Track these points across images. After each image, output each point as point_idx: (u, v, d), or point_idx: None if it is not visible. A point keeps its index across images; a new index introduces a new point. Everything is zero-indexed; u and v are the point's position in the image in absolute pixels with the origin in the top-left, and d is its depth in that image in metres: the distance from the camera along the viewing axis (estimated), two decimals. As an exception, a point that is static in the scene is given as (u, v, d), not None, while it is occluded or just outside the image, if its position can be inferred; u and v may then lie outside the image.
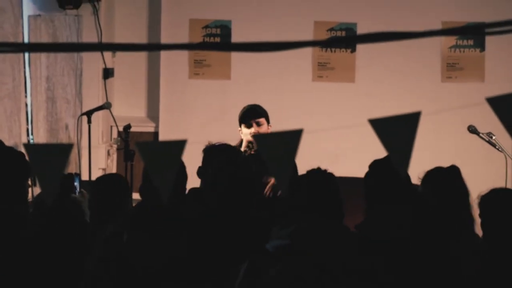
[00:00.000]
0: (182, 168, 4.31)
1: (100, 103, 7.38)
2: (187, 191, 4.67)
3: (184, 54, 7.96)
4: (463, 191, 4.31)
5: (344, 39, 7.40)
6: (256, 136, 2.49)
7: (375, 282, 3.61)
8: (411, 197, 4.15)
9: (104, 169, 7.85)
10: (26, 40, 7.55)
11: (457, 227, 4.18)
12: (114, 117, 7.27)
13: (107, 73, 7.96)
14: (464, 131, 6.67)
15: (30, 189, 5.22)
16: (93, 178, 6.32)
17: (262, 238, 4.08)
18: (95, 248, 4.08)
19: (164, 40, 7.85)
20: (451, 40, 7.90)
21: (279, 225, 3.98)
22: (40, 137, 7.66)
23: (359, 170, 4.36)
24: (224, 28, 7.96)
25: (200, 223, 4.12)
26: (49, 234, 4.10)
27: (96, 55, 7.80)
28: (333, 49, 7.96)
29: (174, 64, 7.96)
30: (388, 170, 4.12)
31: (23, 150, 4.49)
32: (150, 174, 2.28)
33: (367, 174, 4.25)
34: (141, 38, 8.09)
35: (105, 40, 7.79)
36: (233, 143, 5.52)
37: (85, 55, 7.69)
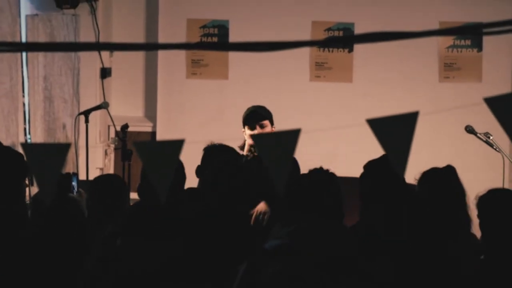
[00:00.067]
0: (180, 168, 4.31)
1: (98, 103, 7.37)
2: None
3: (181, 54, 7.96)
4: (459, 191, 4.31)
5: (342, 39, 7.40)
6: (254, 136, 2.49)
7: (375, 282, 3.61)
8: (406, 197, 4.16)
9: (101, 169, 7.84)
10: (23, 40, 7.54)
11: (453, 227, 4.19)
12: (111, 117, 7.27)
13: (105, 73, 7.95)
14: (462, 131, 6.68)
15: (27, 189, 5.22)
16: (91, 177, 6.31)
17: (261, 238, 4.08)
18: (94, 248, 4.08)
19: (161, 39, 7.84)
20: (449, 40, 7.91)
21: (278, 225, 3.98)
22: (38, 136, 7.66)
23: (357, 170, 4.36)
24: (222, 28, 7.96)
25: (199, 223, 4.12)
26: (48, 234, 4.09)
27: (94, 54, 7.80)
28: (330, 49, 7.96)
29: (171, 64, 7.96)
30: (383, 171, 4.13)
31: (20, 149, 4.50)
32: (148, 174, 2.28)
33: (362, 174, 4.25)
34: (139, 37, 8.09)
35: (102, 39, 7.78)
36: (231, 142, 5.51)
37: (83, 55, 7.69)
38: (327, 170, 3.94)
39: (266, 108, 5.80)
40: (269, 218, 5.31)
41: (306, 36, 7.82)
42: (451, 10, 7.86)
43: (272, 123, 5.73)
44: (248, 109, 5.80)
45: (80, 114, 7.15)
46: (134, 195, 4.80)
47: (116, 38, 8.06)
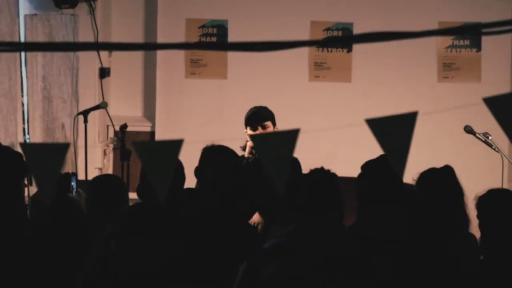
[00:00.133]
0: (180, 168, 4.31)
1: (97, 103, 7.37)
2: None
3: (180, 54, 7.96)
4: (457, 191, 4.31)
5: (341, 39, 7.40)
6: (253, 136, 2.48)
7: (375, 282, 3.61)
8: (404, 197, 4.16)
9: (100, 169, 7.84)
10: (22, 40, 7.54)
11: (452, 227, 4.19)
12: (110, 117, 7.27)
13: (104, 73, 7.95)
14: (461, 131, 6.68)
15: (26, 189, 5.22)
16: (90, 177, 6.31)
17: (260, 238, 4.08)
18: (93, 248, 4.08)
19: (160, 39, 7.84)
20: (448, 40, 7.91)
21: (278, 224, 3.97)
22: (37, 136, 7.66)
23: (356, 170, 4.36)
24: (221, 28, 7.96)
25: (199, 223, 4.12)
26: (48, 234, 4.09)
27: (93, 54, 7.80)
28: (329, 49, 7.96)
29: (170, 64, 7.96)
30: (381, 171, 4.14)
31: (19, 149, 4.49)
32: (147, 174, 2.28)
33: (359, 175, 4.25)
34: (138, 37, 8.09)
35: (101, 39, 7.78)
36: (231, 142, 5.50)
37: (82, 55, 7.69)
38: (328, 171, 3.93)
39: (268, 109, 5.77)
40: (265, 226, 5.32)
41: (305, 36, 7.82)
42: (450, 10, 7.86)
43: (274, 124, 5.71)
44: (250, 109, 5.78)
45: (79, 114, 7.15)
46: (133, 195, 4.80)
47: (115, 38, 8.06)
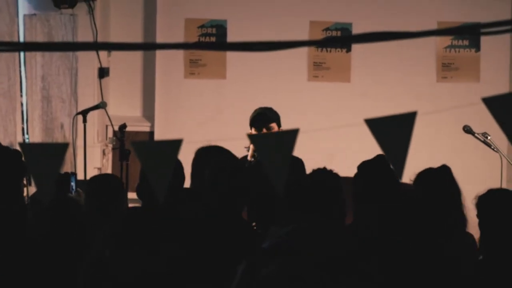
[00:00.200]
0: (179, 168, 4.30)
1: (96, 103, 7.37)
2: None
3: (179, 54, 7.96)
4: (455, 190, 4.32)
5: (340, 39, 7.40)
6: (251, 136, 2.48)
7: (375, 282, 3.60)
8: (400, 196, 4.16)
9: (99, 169, 7.84)
10: (21, 39, 7.54)
11: (449, 227, 4.19)
12: (109, 117, 7.27)
13: (103, 73, 7.95)
14: (460, 131, 6.68)
15: (25, 189, 5.21)
16: (89, 177, 6.31)
17: (260, 238, 4.07)
18: (93, 248, 4.08)
19: (159, 39, 7.84)
20: (447, 40, 7.91)
21: (277, 224, 3.97)
22: (36, 136, 7.65)
23: (355, 170, 4.36)
24: (220, 28, 7.96)
25: (198, 223, 4.12)
26: (48, 234, 4.09)
27: (92, 54, 7.79)
28: (328, 49, 7.97)
29: (169, 64, 7.96)
30: (377, 171, 4.14)
31: (18, 149, 4.49)
32: (146, 174, 2.28)
33: (356, 174, 4.26)
34: (137, 37, 8.09)
35: (100, 39, 7.78)
36: (230, 142, 5.50)
37: (81, 55, 7.69)
38: (331, 171, 3.93)
39: (273, 110, 5.75)
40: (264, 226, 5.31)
41: (304, 36, 7.83)
42: (449, 10, 7.87)
43: (279, 125, 5.69)
44: (256, 110, 5.75)
45: (78, 114, 7.15)
46: (132, 195, 4.80)
47: (114, 38, 8.06)
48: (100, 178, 4.95)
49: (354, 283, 3.47)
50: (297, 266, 3.46)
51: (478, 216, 3.97)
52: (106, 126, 8.03)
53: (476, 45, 7.93)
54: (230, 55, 7.87)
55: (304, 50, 7.83)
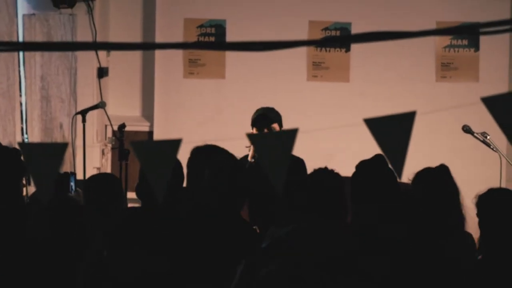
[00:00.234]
0: (178, 167, 4.30)
1: (95, 102, 7.37)
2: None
3: (178, 53, 7.96)
4: (453, 190, 4.31)
5: (339, 38, 7.40)
6: (251, 135, 2.48)
7: (375, 282, 3.61)
8: (399, 196, 4.17)
9: (98, 168, 7.84)
10: (20, 39, 7.54)
11: (447, 226, 4.19)
12: (108, 116, 7.26)
13: (102, 72, 7.95)
14: (459, 131, 6.68)
15: (24, 189, 5.22)
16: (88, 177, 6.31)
17: (260, 238, 4.08)
18: (92, 248, 4.08)
19: (158, 39, 7.84)
20: (446, 40, 7.91)
21: (276, 224, 3.98)
22: (35, 136, 7.65)
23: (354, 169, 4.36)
24: (219, 28, 7.96)
25: (198, 223, 4.11)
26: (48, 233, 4.09)
27: (91, 54, 7.79)
28: (327, 49, 7.97)
29: (168, 63, 7.96)
30: (376, 170, 4.14)
31: (17, 147, 4.49)
32: (145, 174, 2.28)
33: (354, 174, 4.26)
34: (136, 37, 8.09)
35: (99, 39, 7.78)
36: (229, 142, 5.50)
37: (80, 54, 7.69)
38: (332, 170, 3.93)
39: (275, 110, 5.75)
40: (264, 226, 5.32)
41: (303, 35, 7.82)
42: (448, 10, 7.87)
43: (281, 125, 5.68)
44: (257, 111, 5.74)
45: (77, 113, 7.15)
46: (132, 195, 4.80)
47: (113, 38, 8.06)
48: (97, 177, 4.95)
49: (354, 283, 3.48)
50: (297, 266, 3.46)
51: (478, 215, 3.97)
52: (106, 126, 8.03)
53: (475, 45, 7.93)
54: (229, 55, 7.87)
55: (303, 50, 7.84)
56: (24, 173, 4.50)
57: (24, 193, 5.29)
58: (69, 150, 7.22)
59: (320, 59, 7.96)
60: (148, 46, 4.33)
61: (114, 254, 4.03)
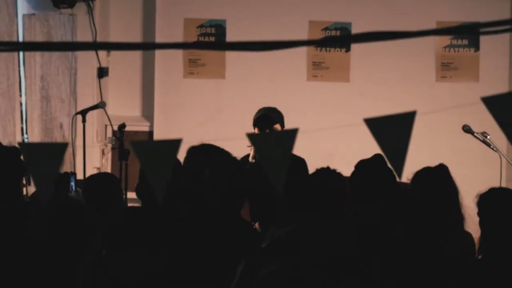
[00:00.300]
0: (179, 167, 4.30)
1: (95, 102, 7.37)
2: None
3: (178, 53, 7.96)
4: (452, 189, 4.31)
5: (339, 38, 7.40)
6: (251, 135, 2.48)
7: (375, 282, 3.61)
8: (399, 196, 4.17)
9: (98, 168, 7.84)
10: (20, 39, 7.54)
11: (447, 226, 4.19)
12: (108, 116, 7.26)
13: (102, 72, 7.95)
14: (459, 131, 6.68)
15: (24, 188, 5.22)
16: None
17: (260, 238, 4.07)
18: (92, 247, 4.07)
19: (158, 39, 7.84)
20: (446, 39, 7.91)
21: (276, 224, 3.97)
22: (35, 136, 7.65)
23: (354, 169, 4.36)
24: (219, 28, 7.96)
25: (198, 223, 4.11)
26: (48, 233, 4.09)
27: (91, 54, 7.79)
28: (327, 49, 7.97)
29: (168, 63, 7.96)
30: (375, 170, 4.14)
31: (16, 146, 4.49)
32: (145, 174, 2.28)
33: (353, 173, 4.26)
34: (136, 37, 8.09)
35: (99, 39, 7.78)
36: (229, 142, 5.50)
37: (80, 54, 7.69)
38: (334, 170, 3.93)
39: (277, 110, 5.74)
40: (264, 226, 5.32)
41: (303, 35, 7.82)
42: (448, 10, 7.87)
43: (282, 126, 5.68)
44: (260, 111, 5.73)
45: (77, 113, 7.15)
46: (132, 195, 4.80)
47: (113, 38, 8.06)
48: (96, 177, 4.95)
49: (354, 283, 3.47)
50: (297, 266, 3.46)
51: (479, 214, 3.97)
52: (106, 126, 8.03)
53: (475, 45, 7.93)
54: (229, 55, 7.87)
55: (303, 49, 7.84)
56: (24, 172, 4.50)
57: (24, 193, 5.29)
58: (69, 150, 7.22)
59: (320, 59, 7.96)
60: (148, 46, 4.33)
61: (114, 254, 4.02)
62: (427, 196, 4.24)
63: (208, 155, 5.00)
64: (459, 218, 4.26)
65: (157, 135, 7.96)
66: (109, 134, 7.97)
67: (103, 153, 7.98)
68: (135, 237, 4.02)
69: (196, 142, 5.10)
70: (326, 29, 7.91)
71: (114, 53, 8.10)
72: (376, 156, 4.14)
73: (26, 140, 7.56)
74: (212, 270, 3.93)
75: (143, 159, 2.26)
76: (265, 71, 7.87)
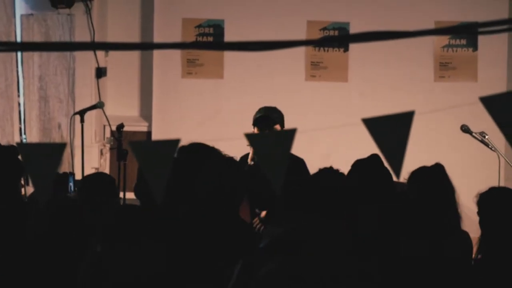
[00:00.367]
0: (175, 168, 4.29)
1: (93, 103, 7.37)
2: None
3: (177, 53, 7.96)
4: (449, 188, 4.31)
5: (337, 38, 7.41)
6: (249, 135, 2.47)
7: (375, 282, 3.61)
8: (395, 195, 4.16)
9: (97, 169, 7.83)
10: (18, 39, 7.54)
11: (444, 225, 4.19)
12: (107, 117, 7.26)
13: (100, 72, 7.95)
14: (457, 131, 6.68)
15: (22, 189, 5.21)
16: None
17: (258, 237, 4.07)
18: (90, 247, 4.07)
19: (157, 39, 7.84)
20: (444, 39, 7.92)
21: (274, 224, 3.97)
22: (33, 136, 7.65)
23: (353, 169, 4.36)
24: (217, 28, 7.96)
25: (195, 223, 4.11)
26: (47, 234, 4.09)
27: (89, 54, 7.79)
28: (326, 49, 7.97)
29: (167, 63, 7.96)
30: (371, 169, 4.14)
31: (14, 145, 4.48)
32: (144, 174, 2.28)
33: (349, 173, 4.25)
34: (134, 37, 8.08)
35: (97, 39, 7.78)
36: (227, 142, 5.49)
37: (78, 54, 7.69)
38: (336, 170, 3.93)
39: (277, 110, 5.73)
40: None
41: (301, 35, 7.82)
42: (446, 10, 7.87)
43: (282, 126, 5.67)
44: (260, 110, 5.72)
45: (75, 114, 7.14)
46: (130, 195, 4.80)
47: (112, 38, 8.06)
48: (91, 177, 4.93)
49: (354, 283, 3.47)
50: (297, 266, 3.46)
51: (479, 214, 3.97)
52: (104, 126, 8.03)
53: (473, 45, 7.94)
54: (228, 55, 7.87)
55: (301, 49, 7.84)
56: (23, 172, 4.50)
57: (23, 193, 5.29)
58: (67, 150, 7.22)
59: (319, 59, 7.96)
60: (146, 46, 4.32)
61: (113, 254, 4.02)
62: (423, 196, 4.23)
63: (204, 155, 4.99)
64: (456, 217, 4.25)
65: (156, 135, 7.96)
66: (108, 134, 7.97)
67: (101, 153, 7.98)
68: (133, 238, 4.02)
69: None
70: (324, 29, 7.91)
71: (112, 53, 8.10)
72: (373, 156, 4.14)
73: (24, 141, 7.56)
74: (210, 270, 3.92)
75: (141, 159, 2.25)
76: (263, 71, 7.87)
